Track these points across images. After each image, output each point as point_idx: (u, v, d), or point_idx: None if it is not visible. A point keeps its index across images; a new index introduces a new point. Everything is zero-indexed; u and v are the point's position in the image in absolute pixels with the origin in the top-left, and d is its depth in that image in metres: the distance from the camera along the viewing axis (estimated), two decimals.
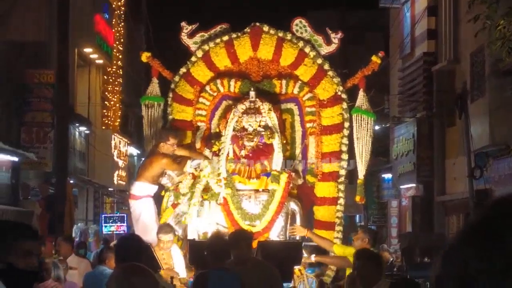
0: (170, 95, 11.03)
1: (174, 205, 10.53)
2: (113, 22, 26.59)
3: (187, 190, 10.49)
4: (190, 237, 10.38)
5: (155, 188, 10.51)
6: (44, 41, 19.57)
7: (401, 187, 25.26)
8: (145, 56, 11.18)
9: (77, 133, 23.52)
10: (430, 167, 22.87)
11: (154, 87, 11.11)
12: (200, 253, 8.28)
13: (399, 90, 24.50)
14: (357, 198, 10.76)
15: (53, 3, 18.92)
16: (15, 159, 17.78)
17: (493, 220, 1.49)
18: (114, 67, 26.73)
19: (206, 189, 10.45)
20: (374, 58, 10.80)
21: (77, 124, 23.22)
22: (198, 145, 10.91)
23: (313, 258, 9.28)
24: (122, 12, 27.88)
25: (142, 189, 10.44)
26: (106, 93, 26.28)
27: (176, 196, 10.51)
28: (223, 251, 7.49)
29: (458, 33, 20.95)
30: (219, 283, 7.57)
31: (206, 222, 10.35)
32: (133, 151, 32.95)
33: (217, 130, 10.91)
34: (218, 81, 10.91)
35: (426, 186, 23.30)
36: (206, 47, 10.90)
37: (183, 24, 11.09)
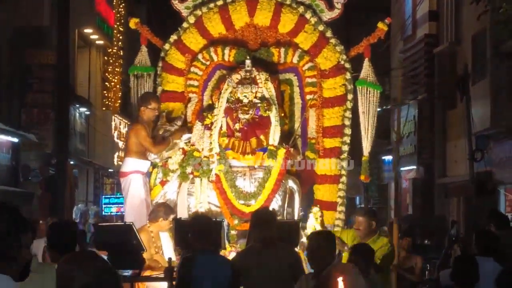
0: (160, 64, 10.18)
1: (163, 183, 9.73)
2: (114, 3, 26.15)
3: (177, 167, 9.68)
4: (180, 216, 9.55)
5: (143, 163, 9.68)
6: (45, 24, 19.45)
7: (402, 169, 24.94)
8: (133, 22, 10.34)
9: (77, 114, 23.33)
10: (431, 150, 22.73)
11: (143, 56, 10.27)
12: (185, 233, 7.54)
13: (400, 72, 23.86)
14: (362, 177, 9.94)
15: None
16: (15, 140, 17.97)
17: None
18: (115, 48, 26.26)
19: (197, 164, 9.59)
20: (380, 24, 10.00)
21: (78, 105, 23.11)
22: (189, 118, 10.06)
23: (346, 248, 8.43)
24: None
25: (128, 164, 9.65)
26: (107, 74, 25.85)
27: (164, 173, 9.71)
28: (207, 232, 6.83)
29: (460, 15, 20.78)
30: (207, 267, 6.82)
31: (197, 201, 9.55)
32: None
33: (210, 102, 10.05)
34: (212, 49, 10.04)
35: (426, 169, 23.13)
36: (198, 12, 10.04)
37: None
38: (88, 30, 23.50)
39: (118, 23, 26.20)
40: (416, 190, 24.75)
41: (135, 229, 8.22)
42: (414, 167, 24.00)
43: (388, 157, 27.12)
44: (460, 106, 20.26)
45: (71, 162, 20.36)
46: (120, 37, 26.73)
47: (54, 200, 17.36)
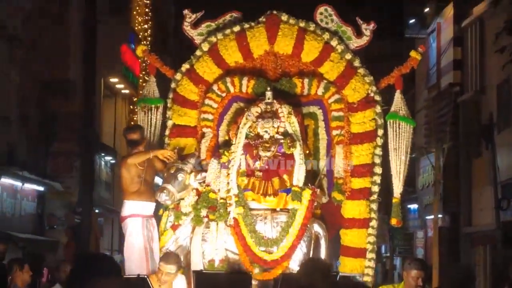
0: (171, 95, 9.21)
1: (174, 227, 8.68)
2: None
3: (190, 209, 8.65)
4: (193, 266, 8.50)
5: (144, 205, 8.57)
6: (71, 76, 20.04)
7: (427, 217, 24.97)
8: (140, 50, 9.45)
9: (102, 162, 23.39)
10: (457, 198, 22.75)
11: (151, 87, 9.32)
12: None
13: (425, 120, 23.72)
14: (393, 221, 8.97)
15: (80, 36, 19.38)
16: (41, 188, 18.43)
17: None
18: None
19: (213, 207, 8.55)
20: (413, 53, 9.13)
21: (103, 154, 23.14)
22: (203, 155, 9.04)
23: None
24: (148, 43, 27.30)
25: (125, 207, 8.58)
26: (132, 123, 25.16)
27: (176, 216, 8.67)
28: None
29: (484, 63, 20.89)
30: None
31: (212, 247, 8.52)
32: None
33: (226, 138, 9.09)
34: (228, 80, 9.09)
35: (452, 217, 23.14)
36: (213, 39, 9.10)
37: (186, 12, 9.31)
38: (114, 80, 23.65)
39: (143, 73, 25.92)
40: (442, 239, 23.91)
41: (149, 282, 7.13)
42: (440, 215, 23.21)
43: (413, 206, 27.15)
44: (485, 154, 20.17)
45: (96, 211, 20.45)
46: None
47: (79, 249, 17.20)
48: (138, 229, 8.42)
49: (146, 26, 27.80)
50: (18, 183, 17.48)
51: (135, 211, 8.48)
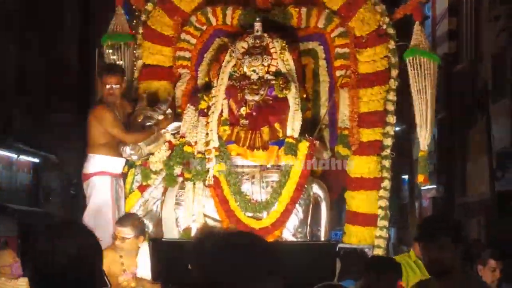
0: (141, 30, 7.76)
1: (142, 188, 7.26)
2: None
3: (161, 166, 7.23)
4: (166, 235, 7.13)
5: (113, 161, 7.19)
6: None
7: (422, 188, 24.41)
8: None
9: None
10: (451, 168, 22.47)
11: (119, 20, 7.83)
12: (174, 261, 5.58)
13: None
14: (420, 178, 7.58)
15: None
16: (37, 160, 18.49)
17: None
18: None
19: (188, 163, 7.17)
20: None
21: None
22: (178, 101, 7.66)
23: None
24: None
25: (91, 163, 7.14)
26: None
27: (145, 175, 7.25)
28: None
29: (479, 33, 20.77)
30: None
31: (188, 212, 7.11)
32: None
33: (206, 79, 7.73)
34: (209, 10, 7.73)
35: (446, 188, 22.89)
36: None
37: None
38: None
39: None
40: (436, 209, 24.45)
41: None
42: (434, 186, 23.70)
43: (407, 176, 26.96)
44: (480, 125, 20.10)
45: None
46: None
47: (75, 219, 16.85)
48: (107, 189, 7.09)
49: None
50: (13, 155, 17.51)
51: (103, 167, 7.13)
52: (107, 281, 5.59)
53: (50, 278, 2.54)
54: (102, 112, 7.03)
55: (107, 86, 7.11)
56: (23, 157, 17.75)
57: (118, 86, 7.10)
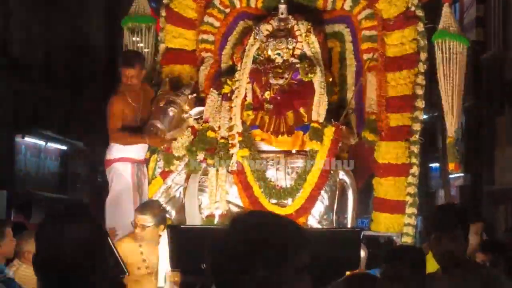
0: (163, 13, 7.61)
1: (165, 174, 7.10)
2: None
3: (184, 152, 7.05)
4: (189, 222, 6.96)
5: (134, 147, 6.99)
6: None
7: (449, 176, 24.15)
8: None
9: None
10: (479, 157, 22.33)
11: (140, 3, 7.66)
12: (194, 248, 5.33)
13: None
14: (451, 166, 7.35)
15: None
16: (64, 147, 18.57)
17: None
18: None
19: (212, 149, 6.99)
20: None
21: None
22: (201, 85, 7.52)
23: None
24: None
25: (112, 150, 7.04)
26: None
27: (167, 161, 7.08)
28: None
29: (507, 20, 20.45)
30: None
31: (211, 199, 6.95)
32: None
33: (230, 63, 7.58)
34: None
35: (474, 176, 22.85)
36: None
37: None
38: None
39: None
40: (464, 198, 24.21)
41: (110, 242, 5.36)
42: (462, 174, 23.29)
43: (435, 164, 26.85)
44: (508, 112, 19.94)
45: None
46: None
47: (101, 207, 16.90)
48: (127, 174, 6.93)
49: None
50: (41, 142, 17.56)
51: (124, 154, 6.98)
52: (124, 269, 5.46)
53: (53, 265, 2.48)
54: (110, 102, 6.96)
55: (124, 77, 7.03)
56: (51, 145, 17.84)
57: (135, 77, 6.98)
